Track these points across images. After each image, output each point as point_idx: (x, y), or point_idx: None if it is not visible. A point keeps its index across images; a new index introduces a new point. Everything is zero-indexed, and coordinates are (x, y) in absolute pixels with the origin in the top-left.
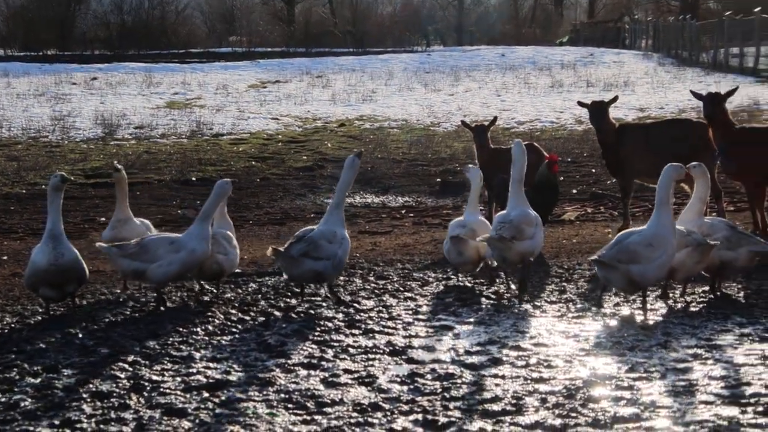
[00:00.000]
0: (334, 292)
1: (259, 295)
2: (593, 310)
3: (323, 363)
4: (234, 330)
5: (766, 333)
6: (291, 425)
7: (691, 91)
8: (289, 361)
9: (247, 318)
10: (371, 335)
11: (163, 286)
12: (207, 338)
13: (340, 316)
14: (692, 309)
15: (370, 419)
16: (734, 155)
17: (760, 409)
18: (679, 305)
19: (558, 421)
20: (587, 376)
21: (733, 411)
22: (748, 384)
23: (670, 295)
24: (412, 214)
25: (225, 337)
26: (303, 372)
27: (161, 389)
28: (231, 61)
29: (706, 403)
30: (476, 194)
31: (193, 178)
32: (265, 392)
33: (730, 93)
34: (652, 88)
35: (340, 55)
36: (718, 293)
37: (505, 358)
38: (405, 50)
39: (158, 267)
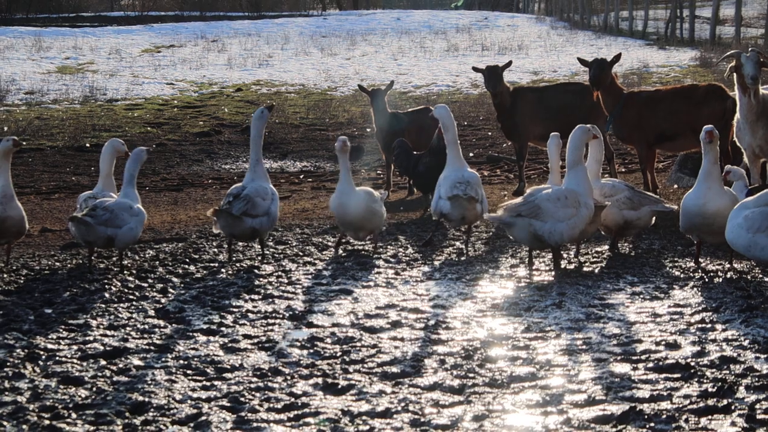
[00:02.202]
0: (265, 245)
1: (157, 262)
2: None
3: (222, 329)
4: (131, 297)
5: (656, 291)
6: (190, 391)
7: (579, 58)
8: (187, 328)
9: (145, 285)
10: (271, 300)
11: (125, 249)
12: (104, 306)
13: (240, 281)
14: (586, 269)
15: (270, 384)
16: (625, 119)
17: (651, 365)
18: (572, 265)
19: (456, 382)
20: (484, 337)
21: (625, 368)
22: (640, 341)
23: (564, 255)
24: (310, 179)
25: (122, 305)
26: (202, 338)
27: (57, 358)
28: (124, 26)
29: (600, 360)
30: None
31: (87, 145)
32: (163, 359)
33: (616, 59)
34: (545, 52)
35: (236, 19)
36: (615, 251)
37: (404, 321)
38: (301, 14)
39: (129, 230)
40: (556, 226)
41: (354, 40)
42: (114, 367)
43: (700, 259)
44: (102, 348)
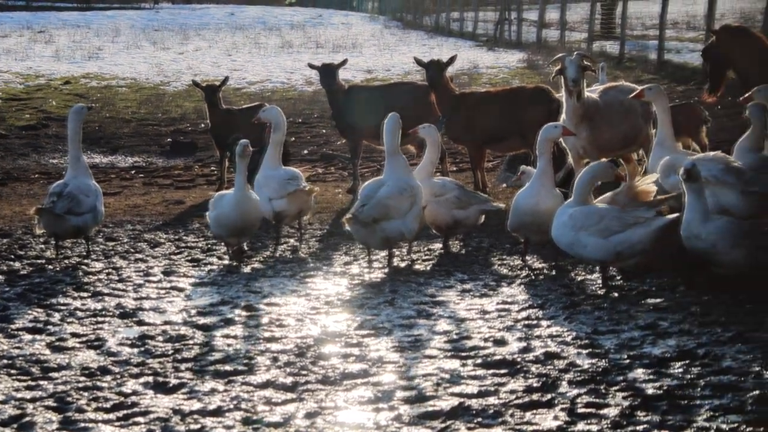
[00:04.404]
0: (90, 242)
1: None
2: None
3: (49, 327)
4: None
5: (485, 289)
6: (14, 392)
7: (415, 58)
8: (11, 326)
9: None
10: (100, 298)
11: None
12: None
13: (67, 279)
14: (417, 267)
15: (98, 383)
16: (456, 119)
17: (479, 361)
18: (404, 263)
19: (289, 379)
20: (318, 334)
21: (454, 364)
22: (468, 338)
23: (396, 253)
24: (142, 175)
25: None
26: (27, 336)
27: None
28: None
29: (430, 357)
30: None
31: None
32: None
33: (451, 60)
34: (378, 50)
35: (64, 11)
36: (446, 249)
37: (237, 318)
38: (132, 7)
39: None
40: (406, 221)
41: (187, 35)
42: None
43: (526, 257)
44: None
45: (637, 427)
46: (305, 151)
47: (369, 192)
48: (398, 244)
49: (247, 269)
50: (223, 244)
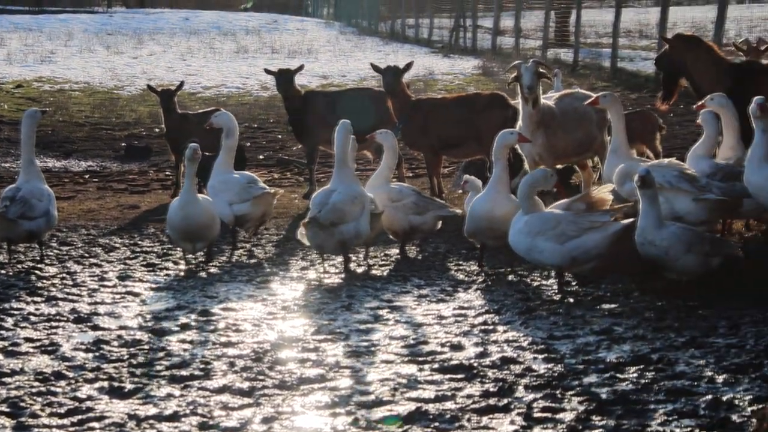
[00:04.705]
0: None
1: None
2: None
3: (2, 332)
4: None
5: (442, 294)
6: None
7: (371, 64)
8: None
9: None
10: (54, 302)
11: None
12: None
13: (21, 283)
14: (374, 272)
15: (53, 388)
16: (412, 126)
17: (436, 366)
18: (361, 268)
19: (246, 384)
20: (274, 339)
21: (411, 369)
22: (425, 343)
23: (353, 258)
24: (96, 179)
25: None
26: None
27: None
28: None
29: (387, 362)
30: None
31: None
32: None
33: (408, 67)
34: (334, 56)
35: (15, 14)
36: (403, 254)
37: (193, 323)
38: (85, 10)
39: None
40: (359, 224)
41: (141, 39)
42: None
43: (483, 263)
44: None
45: None
46: (261, 156)
47: (322, 199)
48: (353, 248)
49: (203, 274)
50: (180, 249)
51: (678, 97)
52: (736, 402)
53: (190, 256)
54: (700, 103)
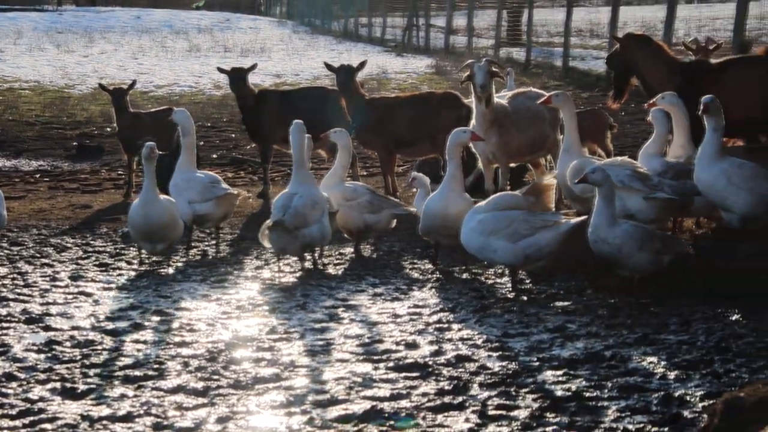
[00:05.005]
0: None
1: None
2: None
3: None
4: None
5: (396, 293)
6: None
7: (325, 63)
8: None
9: None
10: (5, 303)
11: None
12: None
13: None
14: (329, 271)
15: (4, 389)
16: (366, 124)
17: (391, 364)
18: (316, 267)
19: (200, 384)
20: (229, 339)
21: (366, 368)
22: (381, 341)
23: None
24: (47, 179)
25: None
26: None
27: None
28: None
29: (342, 360)
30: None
31: None
32: None
33: (361, 66)
34: (287, 55)
35: None
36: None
37: (147, 323)
38: (35, 8)
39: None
40: (321, 227)
41: (92, 38)
42: None
43: (437, 261)
44: None
45: (547, 429)
46: (214, 155)
47: (284, 202)
48: (313, 249)
49: (157, 274)
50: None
51: (629, 96)
52: (688, 398)
53: (144, 255)
54: (651, 101)
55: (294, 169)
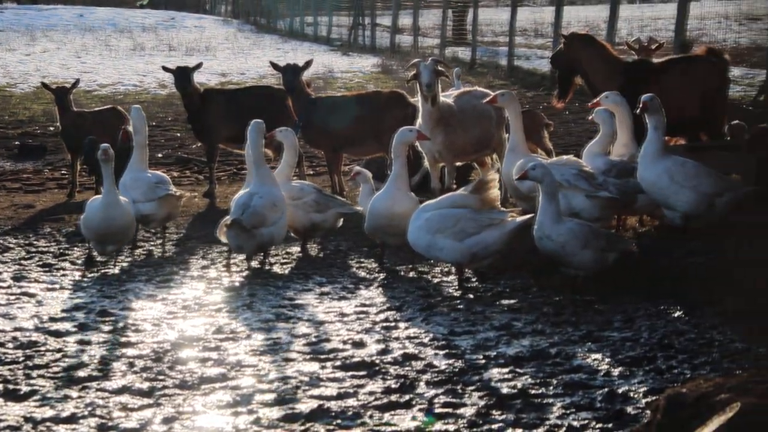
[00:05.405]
0: None
1: None
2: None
3: None
4: None
5: (343, 291)
6: None
7: (271, 62)
8: None
9: None
10: None
11: None
12: None
13: None
14: (276, 270)
15: None
16: (312, 124)
17: (338, 363)
18: (263, 267)
19: (146, 385)
20: (175, 339)
21: (314, 366)
22: (328, 340)
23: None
24: None
25: None
26: None
27: None
28: None
29: (289, 360)
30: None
31: None
32: None
33: (307, 65)
34: (233, 54)
35: None
36: (305, 252)
37: (91, 324)
38: None
39: None
40: (278, 227)
41: (34, 36)
42: None
43: (384, 260)
44: None
45: (493, 426)
46: (159, 155)
47: (245, 200)
48: (268, 248)
49: (101, 274)
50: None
51: (573, 95)
52: (631, 394)
53: (90, 256)
54: (595, 101)
55: (254, 169)
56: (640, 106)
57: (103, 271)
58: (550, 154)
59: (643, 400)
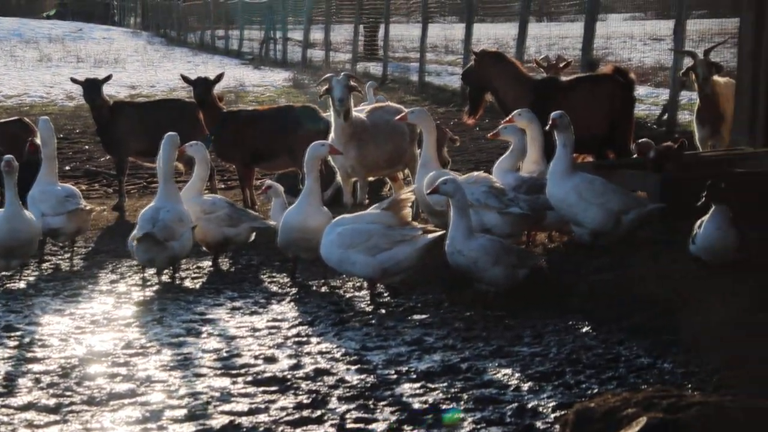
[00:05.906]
0: None
1: None
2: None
3: None
4: None
5: (255, 306)
6: None
7: (182, 75)
8: None
9: None
10: None
11: None
12: None
13: None
14: (186, 284)
15: None
16: (224, 138)
17: (250, 378)
18: (173, 281)
19: (52, 401)
20: (83, 354)
21: (224, 382)
22: (239, 356)
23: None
24: None
25: None
26: None
27: None
28: None
29: (200, 375)
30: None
31: None
32: None
33: (219, 78)
34: (142, 66)
35: None
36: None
37: None
38: None
39: None
40: (183, 241)
41: None
42: None
43: (296, 275)
44: None
45: None
46: (67, 168)
47: (152, 215)
48: (179, 261)
49: (5, 289)
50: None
51: (484, 112)
52: (540, 409)
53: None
54: (508, 118)
55: (162, 182)
56: (550, 123)
57: (8, 285)
58: (445, 166)
59: (552, 415)
